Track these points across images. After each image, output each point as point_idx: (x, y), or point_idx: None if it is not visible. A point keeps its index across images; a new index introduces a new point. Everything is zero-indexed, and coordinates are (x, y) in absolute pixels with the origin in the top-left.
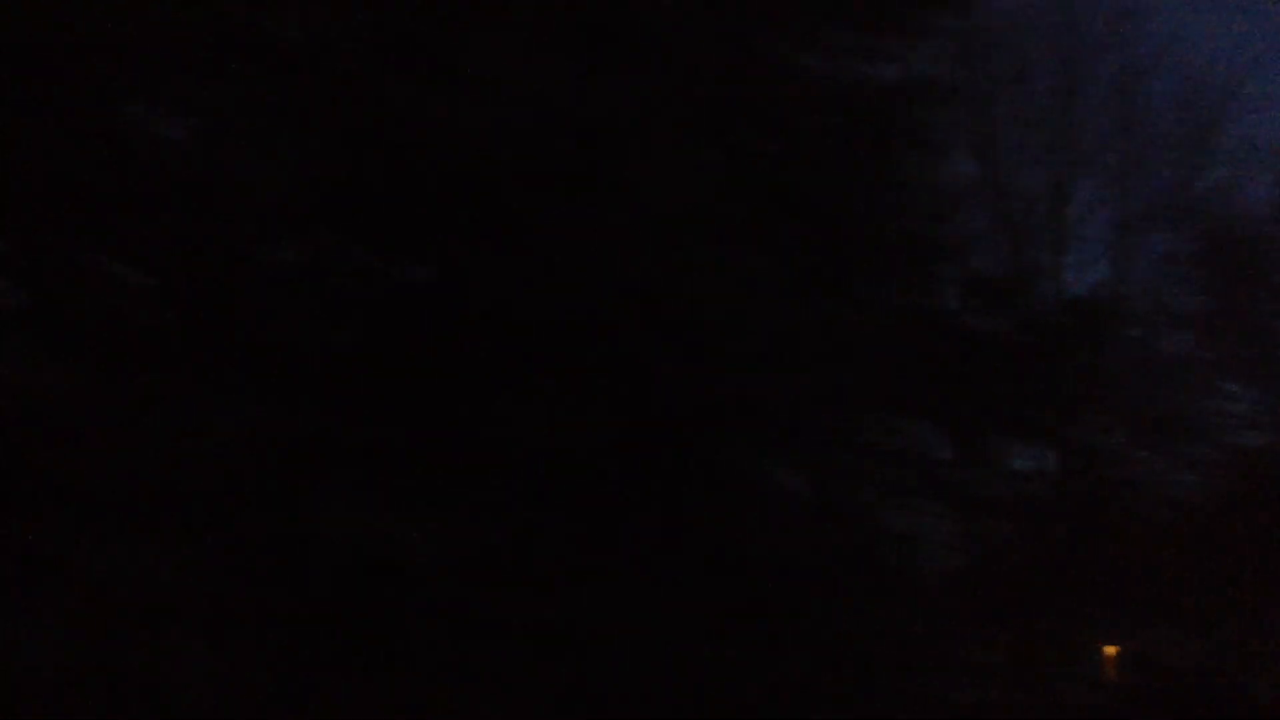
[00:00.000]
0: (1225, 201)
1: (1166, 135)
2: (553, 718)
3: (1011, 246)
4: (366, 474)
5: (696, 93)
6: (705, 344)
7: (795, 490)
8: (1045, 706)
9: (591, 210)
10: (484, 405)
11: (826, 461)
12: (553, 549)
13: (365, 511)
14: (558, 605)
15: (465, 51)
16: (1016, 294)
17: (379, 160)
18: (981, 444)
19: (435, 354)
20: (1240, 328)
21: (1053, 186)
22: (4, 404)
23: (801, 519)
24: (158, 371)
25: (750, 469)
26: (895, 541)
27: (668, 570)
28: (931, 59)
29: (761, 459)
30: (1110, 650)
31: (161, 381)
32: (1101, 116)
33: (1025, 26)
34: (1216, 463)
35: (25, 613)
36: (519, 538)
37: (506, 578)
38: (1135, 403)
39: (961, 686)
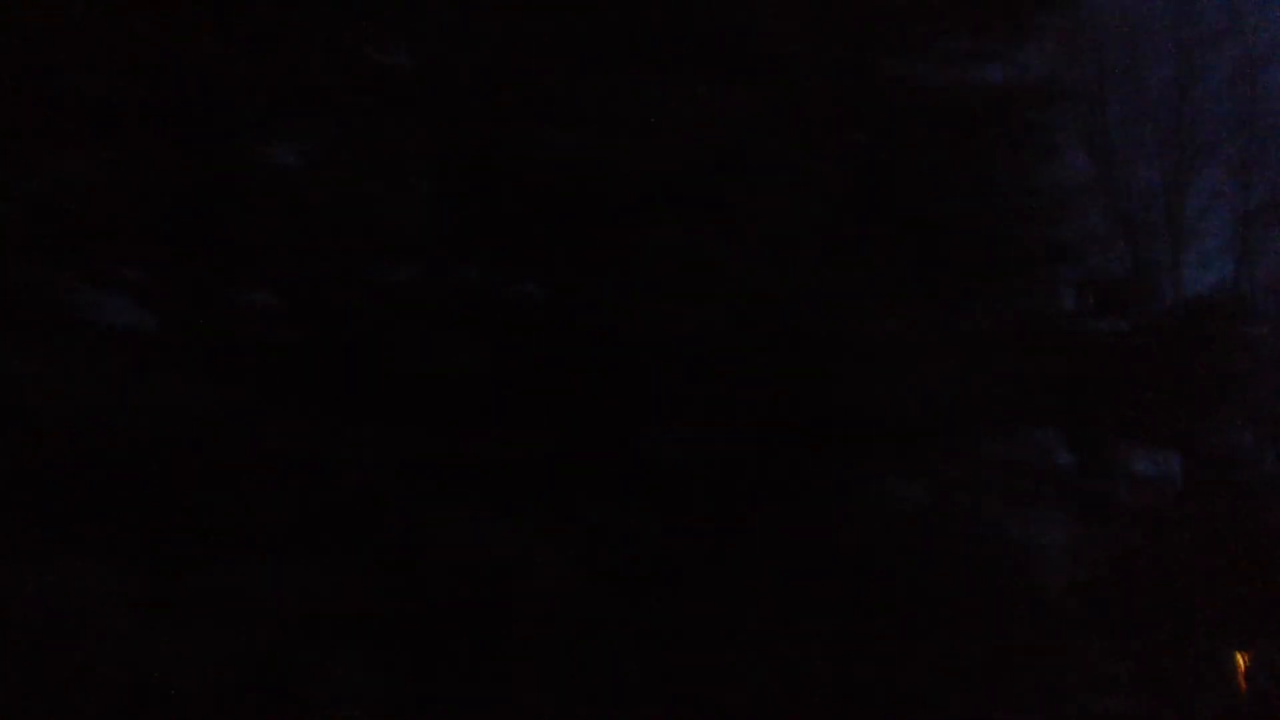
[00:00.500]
0: None
1: None
2: None
3: (1130, 245)
4: (489, 487)
5: (805, 105)
6: (819, 354)
7: (914, 501)
8: (1175, 717)
9: (704, 224)
10: (604, 419)
11: (945, 471)
12: (669, 560)
13: (490, 524)
14: (677, 615)
15: (573, 72)
16: (1136, 294)
17: (489, 180)
18: (1104, 450)
19: (555, 369)
20: None
21: (1171, 182)
22: (139, 426)
23: (922, 530)
24: (283, 390)
25: (868, 481)
26: (1018, 551)
27: (787, 582)
28: (1041, 57)
29: (879, 470)
30: (1241, 659)
31: (287, 399)
32: (1219, 108)
33: (1138, 19)
34: None
35: (172, 630)
36: (639, 549)
37: (626, 587)
38: (1263, 403)
39: (1089, 697)
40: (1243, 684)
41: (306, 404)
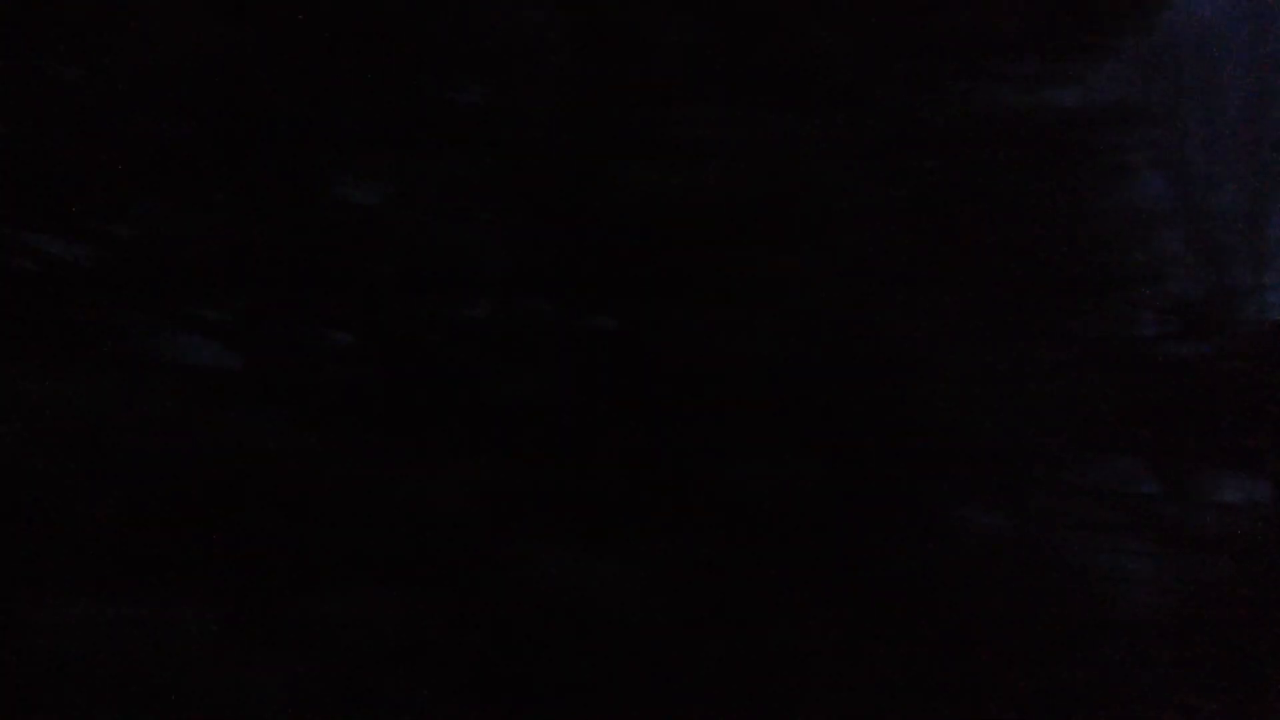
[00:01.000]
0: None
1: None
2: None
3: (1210, 268)
4: (566, 520)
5: (880, 132)
6: (897, 383)
7: (995, 531)
8: None
9: (778, 253)
10: (679, 449)
11: (1026, 500)
12: (746, 589)
13: (567, 556)
14: (753, 644)
15: (645, 105)
16: (1219, 317)
17: (562, 214)
18: (1188, 477)
19: (630, 400)
20: None
21: (1251, 203)
22: (224, 463)
23: (1002, 559)
24: (361, 426)
25: (948, 510)
26: (1101, 582)
27: (864, 610)
28: (1116, 80)
29: (959, 500)
30: None
31: (365, 435)
32: None
33: (1214, 40)
34: None
35: (256, 663)
36: (715, 579)
37: (702, 617)
38: None
39: None
40: None
41: (386, 439)
